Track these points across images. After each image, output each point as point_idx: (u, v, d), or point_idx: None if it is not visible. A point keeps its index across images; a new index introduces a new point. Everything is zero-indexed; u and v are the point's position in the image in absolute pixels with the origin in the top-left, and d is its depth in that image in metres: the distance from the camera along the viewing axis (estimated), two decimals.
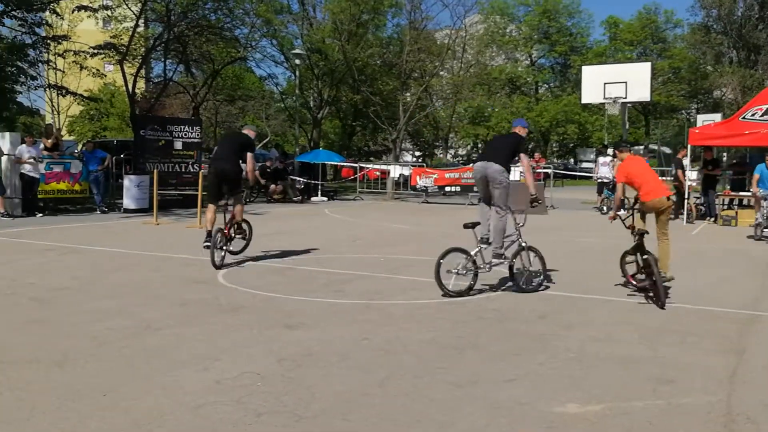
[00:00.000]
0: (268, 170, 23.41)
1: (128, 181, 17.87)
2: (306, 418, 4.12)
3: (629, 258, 8.20)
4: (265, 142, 48.28)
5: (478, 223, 8.00)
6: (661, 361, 5.38)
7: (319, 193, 25.77)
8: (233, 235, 9.86)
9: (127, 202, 17.74)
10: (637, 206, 8.22)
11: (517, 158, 8.19)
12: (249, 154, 9.92)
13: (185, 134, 19.90)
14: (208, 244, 9.48)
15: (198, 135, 20.48)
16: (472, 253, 7.77)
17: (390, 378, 4.88)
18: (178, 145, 19.72)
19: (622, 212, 8.41)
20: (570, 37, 55.35)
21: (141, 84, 32.72)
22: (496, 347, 5.72)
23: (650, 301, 7.50)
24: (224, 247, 9.68)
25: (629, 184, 8.11)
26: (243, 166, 10.15)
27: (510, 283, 8.17)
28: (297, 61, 29.30)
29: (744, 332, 6.38)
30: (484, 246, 7.92)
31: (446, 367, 5.16)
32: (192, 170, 19.69)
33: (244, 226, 10.14)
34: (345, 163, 34.09)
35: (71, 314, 6.64)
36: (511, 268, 8.04)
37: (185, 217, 16.66)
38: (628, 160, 8.42)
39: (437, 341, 5.86)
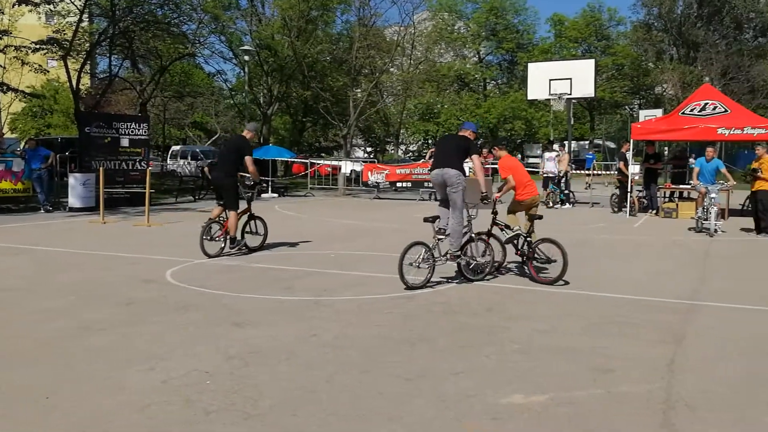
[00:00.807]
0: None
1: (73, 180, 17.50)
2: (255, 416, 4.13)
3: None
4: (214, 138, 47.79)
5: (438, 217, 8.25)
6: (602, 351, 5.53)
7: (270, 189, 25.62)
8: (222, 236, 10.26)
9: (73, 201, 17.38)
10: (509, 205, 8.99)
11: (468, 159, 8.48)
12: (247, 158, 10.33)
13: (132, 131, 19.56)
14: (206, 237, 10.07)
15: (145, 132, 20.16)
16: (431, 245, 7.98)
17: (338, 373, 4.92)
18: (125, 142, 19.37)
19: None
20: (517, 35, 55.85)
21: (86, 80, 32.01)
22: (444, 340, 5.80)
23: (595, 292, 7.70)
24: (218, 239, 10.17)
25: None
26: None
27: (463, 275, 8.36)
28: (246, 58, 29.09)
29: (683, 322, 6.59)
30: (441, 237, 8.15)
31: (395, 361, 5.22)
32: (140, 168, 19.38)
33: (252, 226, 10.72)
34: (295, 159, 33.96)
35: (14, 315, 6.51)
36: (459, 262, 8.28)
37: (133, 215, 16.40)
38: (507, 158, 9.18)
39: (386, 336, 5.92)
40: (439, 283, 8.15)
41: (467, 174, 8.85)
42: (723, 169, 14.96)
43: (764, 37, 52.94)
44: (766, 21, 50.81)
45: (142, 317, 6.51)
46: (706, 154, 14.97)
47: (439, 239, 8.13)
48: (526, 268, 8.64)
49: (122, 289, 7.83)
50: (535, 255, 8.48)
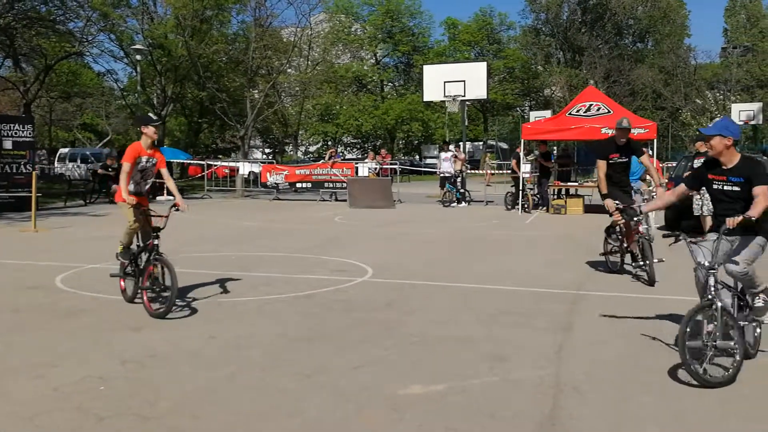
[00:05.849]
0: (110, 170, 22.39)
1: None
2: (152, 419, 4.06)
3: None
4: (106, 140, 46.06)
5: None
6: (496, 340, 5.76)
7: (165, 192, 24.91)
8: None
9: None
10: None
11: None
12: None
13: (16, 133, 18.64)
14: None
15: (30, 134, 19.26)
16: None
17: (239, 373, 4.89)
18: (8, 144, 18.45)
19: None
20: (412, 37, 56.56)
21: None
22: (345, 336, 5.87)
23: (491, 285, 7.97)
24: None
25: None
26: None
27: None
28: (138, 57, 28.13)
29: (570, 311, 6.93)
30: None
31: (295, 358, 5.24)
32: (25, 171, 18.48)
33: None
34: (192, 161, 33.17)
35: None
36: None
37: (18, 220, 15.61)
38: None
39: (287, 335, 5.93)
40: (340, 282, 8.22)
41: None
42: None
43: (642, 43, 56.23)
44: (643, 27, 53.98)
45: (30, 324, 6.24)
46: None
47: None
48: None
49: (6, 296, 7.45)
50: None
